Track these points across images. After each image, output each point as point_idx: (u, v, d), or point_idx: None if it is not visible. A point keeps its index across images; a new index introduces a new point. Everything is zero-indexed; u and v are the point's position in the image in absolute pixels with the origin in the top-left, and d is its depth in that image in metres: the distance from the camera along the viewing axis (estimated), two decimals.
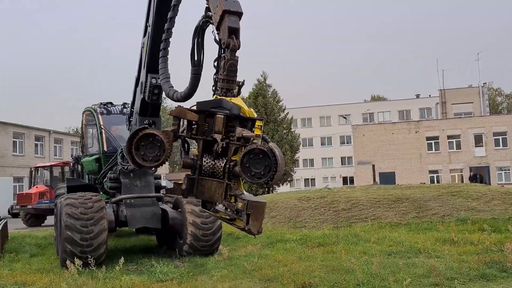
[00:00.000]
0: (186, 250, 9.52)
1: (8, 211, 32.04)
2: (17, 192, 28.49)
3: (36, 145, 39.85)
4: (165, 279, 7.57)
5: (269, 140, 3.87)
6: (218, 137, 3.66)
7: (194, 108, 3.65)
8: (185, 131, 3.77)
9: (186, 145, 3.95)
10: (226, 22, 3.66)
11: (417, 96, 67.53)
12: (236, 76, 3.69)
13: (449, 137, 45.31)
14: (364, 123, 60.65)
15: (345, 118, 66.90)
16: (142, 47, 6.95)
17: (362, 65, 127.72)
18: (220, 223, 9.58)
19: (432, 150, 45.80)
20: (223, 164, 3.74)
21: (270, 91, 43.31)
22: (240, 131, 3.61)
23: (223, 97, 3.65)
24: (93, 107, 11.48)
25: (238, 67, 3.66)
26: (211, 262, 8.83)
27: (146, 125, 3.82)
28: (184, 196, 3.87)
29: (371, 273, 7.09)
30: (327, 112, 68.46)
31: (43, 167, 26.24)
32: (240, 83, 3.76)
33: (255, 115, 3.87)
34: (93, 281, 7.17)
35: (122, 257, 7.98)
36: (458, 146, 45.25)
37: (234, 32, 3.68)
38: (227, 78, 3.66)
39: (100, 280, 7.35)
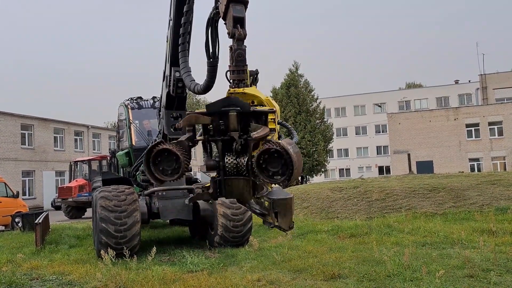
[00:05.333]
0: (217, 241, 9.63)
1: (51, 204, 33.50)
2: (59, 186, 29.62)
3: (75, 140, 41.25)
4: (195, 270, 7.68)
5: (289, 126, 3.76)
6: (235, 135, 3.58)
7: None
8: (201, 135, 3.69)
9: (208, 147, 3.86)
10: (230, 12, 3.61)
11: (456, 82, 65.24)
12: (246, 65, 3.63)
13: (490, 123, 43.65)
14: (400, 111, 59.24)
15: (380, 106, 65.55)
16: (167, 41, 7.03)
17: (396, 51, 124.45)
18: (250, 214, 9.62)
19: (472, 137, 44.30)
20: (245, 161, 3.63)
21: (302, 81, 42.96)
22: (254, 135, 3.52)
23: (231, 95, 3.62)
24: (124, 102, 11.74)
25: (247, 56, 3.60)
26: (242, 253, 8.88)
27: (161, 140, 3.73)
28: (213, 199, 3.80)
29: (402, 265, 6.94)
30: (362, 101, 67.28)
31: (82, 161, 27.16)
32: (255, 73, 3.70)
33: (274, 103, 3.79)
34: (126, 272, 7.36)
35: (155, 247, 8.15)
36: (500, 133, 43.55)
37: (239, 21, 3.62)
38: (237, 68, 3.60)
39: (133, 270, 7.55)
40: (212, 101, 3.60)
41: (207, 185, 3.86)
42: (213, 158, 3.78)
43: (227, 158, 3.68)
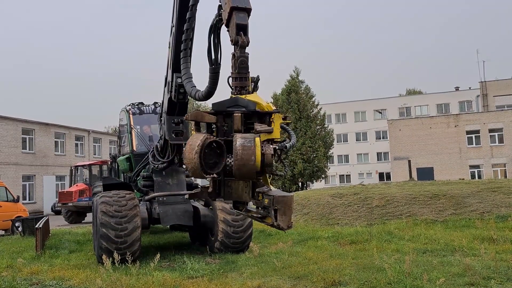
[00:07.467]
0: (218, 247, 9.62)
1: (51, 209, 33.45)
2: (59, 190, 29.57)
3: (76, 145, 41.25)
4: (196, 276, 7.67)
5: (289, 129, 3.86)
6: None
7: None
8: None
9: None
10: (234, 19, 3.65)
11: (456, 88, 65.28)
12: (248, 72, 3.66)
13: (490, 130, 43.63)
14: (401, 117, 59.27)
15: (380, 113, 65.59)
16: (169, 47, 7.07)
17: (396, 57, 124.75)
18: (251, 220, 9.61)
19: (472, 144, 44.26)
20: None
21: (302, 87, 42.99)
22: (257, 127, 3.56)
23: (238, 96, 3.64)
24: (126, 107, 11.76)
25: (250, 63, 3.64)
26: (242, 259, 8.87)
27: (209, 135, 3.75)
28: (211, 198, 3.84)
29: (403, 272, 6.93)
30: (362, 107, 67.32)
31: (82, 166, 27.12)
32: (255, 79, 3.73)
33: (273, 109, 3.85)
34: (126, 277, 7.35)
35: (159, 254, 8.12)
36: (501, 140, 43.54)
37: (242, 28, 3.66)
38: (239, 75, 3.63)
39: (134, 276, 7.53)
40: (220, 101, 3.66)
41: (206, 186, 3.89)
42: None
43: (229, 159, 3.69)
